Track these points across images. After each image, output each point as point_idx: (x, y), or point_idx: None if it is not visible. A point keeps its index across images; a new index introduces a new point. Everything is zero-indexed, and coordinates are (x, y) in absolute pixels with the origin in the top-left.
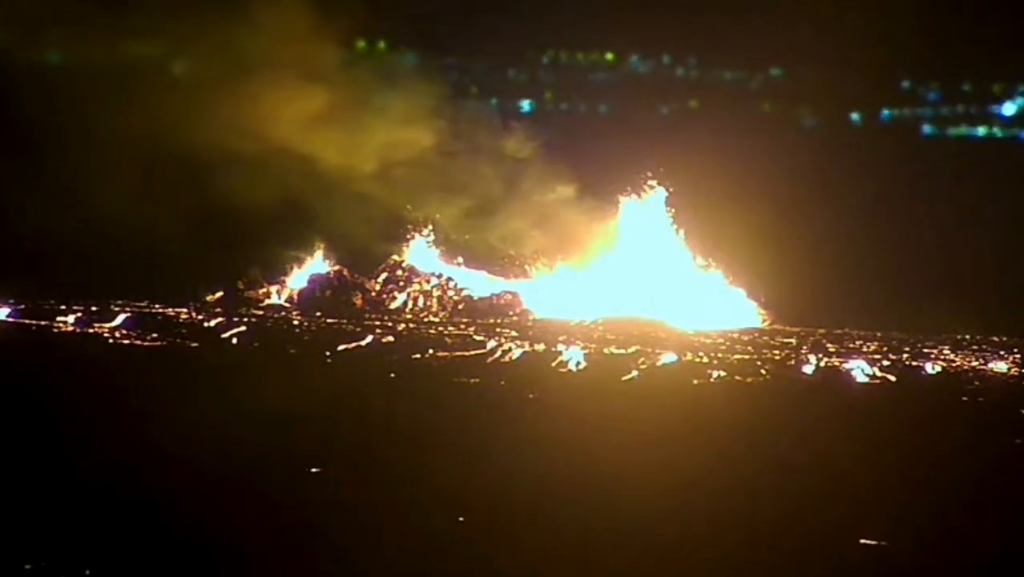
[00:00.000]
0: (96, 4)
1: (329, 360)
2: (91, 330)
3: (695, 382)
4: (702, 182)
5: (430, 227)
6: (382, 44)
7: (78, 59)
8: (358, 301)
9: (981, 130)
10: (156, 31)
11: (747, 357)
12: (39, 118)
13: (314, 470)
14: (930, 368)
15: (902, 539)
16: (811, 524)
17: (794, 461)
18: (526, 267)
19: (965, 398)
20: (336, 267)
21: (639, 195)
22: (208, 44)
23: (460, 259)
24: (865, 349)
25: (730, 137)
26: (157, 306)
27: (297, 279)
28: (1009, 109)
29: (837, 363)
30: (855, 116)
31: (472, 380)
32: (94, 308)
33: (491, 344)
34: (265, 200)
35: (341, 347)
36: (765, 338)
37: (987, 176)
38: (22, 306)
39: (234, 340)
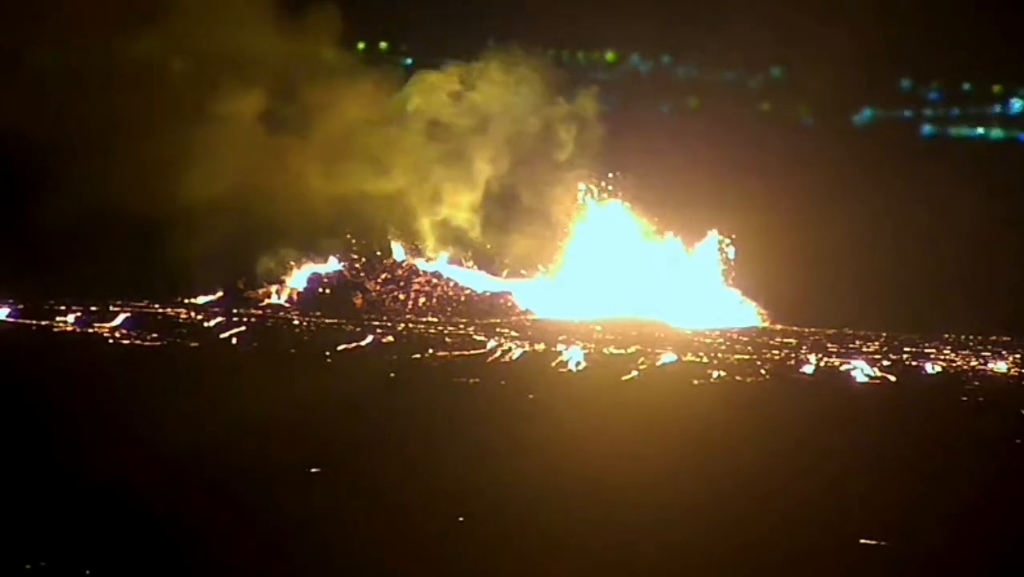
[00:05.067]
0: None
1: (329, 360)
2: (91, 330)
3: (695, 382)
4: (703, 182)
5: (430, 228)
6: (384, 46)
7: (90, 58)
8: (358, 301)
9: (981, 130)
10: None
11: (747, 357)
12: (39, 117)
13: (314, 470)
14: (930, 368)
15: (902, 539)
16: (811, 524)
17: (794, 461)
18: (526, 267)
19: (965, 398)
20: (336, 267)
21: (639, 195)
22: (212, 44)
23: (460, 259)
24: (865, 349)
25: (730, 136)
26: (157, 306)
27: (297, 279)
28: (1010, 109)
29: (837, 363)
30: (856, 116)
31: (472, 380)
32: (94, 308)
33: (491, 344)
34: (267, 200)
35: (341, 347)
36: (765, 338)
37: (987, 176)
38: (22, 306)
39: (234, 340)
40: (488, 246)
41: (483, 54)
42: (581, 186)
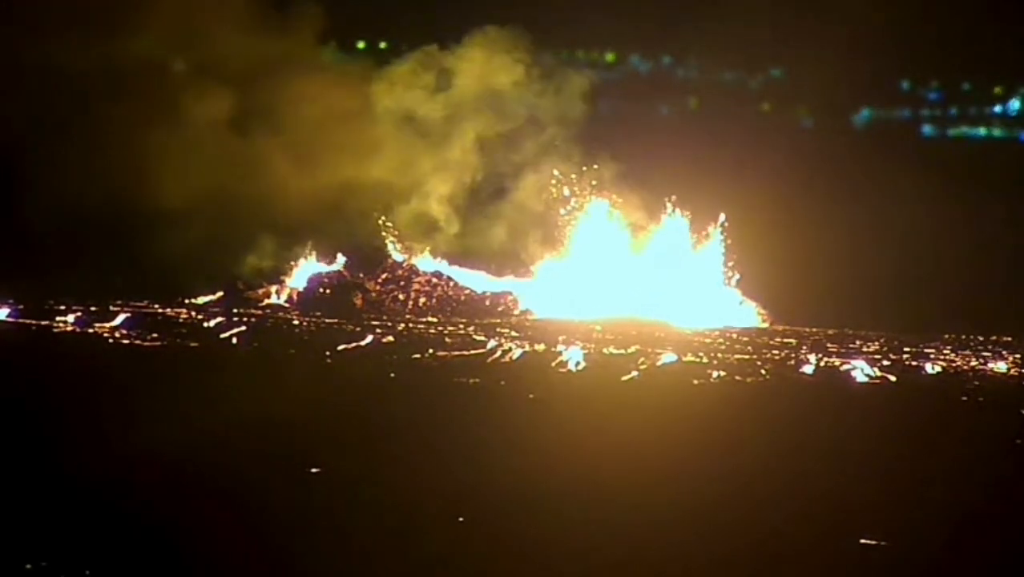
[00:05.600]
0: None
1: (329, 360)
2: (91, 330)
3: (695, 382)
4: (702, 182)
5: (430, 227)
6: (383, 44)
7: (85, 60)
8: (358, 301)
9: (981, 130)
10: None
11: (747, 357)
12: (38, 116)
13: (314, 470)
14: (930, 368)
15: (902, 539)
16: (811, 524)
17: (794, 461)
18: (526, 266)
19: (965, 398)
20: (336, 267)
21: (637, 194)
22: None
23: (460, 259)
24: (865, 349)
25: (729, 136)
26: (157, 306)
27: (297, 279)
28: (1010, 109)
29: (837, 363)
30: (855, 116)
31: (472, 380)
32: (94, 308)
33: (491, 344)
34: (267, 201)
35: (341, 347)
36: (765, 338)
37: (987, 176)
38: (22, 306)
39: (234, 340)
40: (480, 238)
41: (460, 45)
42: (572, 176)
